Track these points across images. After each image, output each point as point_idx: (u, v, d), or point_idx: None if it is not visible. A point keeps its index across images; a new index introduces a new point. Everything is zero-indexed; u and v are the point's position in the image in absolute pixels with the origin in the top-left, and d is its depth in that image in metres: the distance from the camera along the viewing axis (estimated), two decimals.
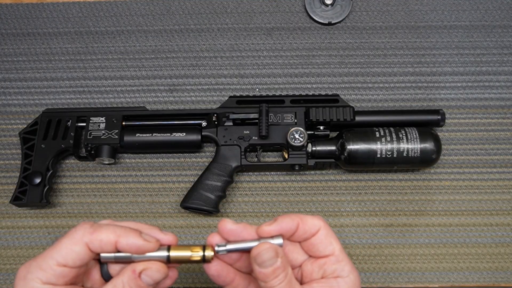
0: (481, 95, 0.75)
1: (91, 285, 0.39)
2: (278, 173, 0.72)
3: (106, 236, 0.35)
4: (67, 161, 0.73)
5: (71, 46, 0.79)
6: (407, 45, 0.78)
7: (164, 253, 0.36)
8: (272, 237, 0.36)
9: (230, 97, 0.72)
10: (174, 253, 0.36)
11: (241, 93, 0.76)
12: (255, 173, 0.72)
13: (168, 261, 0.36)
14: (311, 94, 0.73)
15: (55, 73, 0.78)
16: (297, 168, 0.68)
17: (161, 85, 0.77)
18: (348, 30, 0.79)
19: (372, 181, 0.71)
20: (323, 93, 0.75)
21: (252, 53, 0.78)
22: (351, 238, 0.68)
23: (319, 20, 0.79)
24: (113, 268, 0.38)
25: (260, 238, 0.36)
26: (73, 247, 0.35)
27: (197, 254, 0.36)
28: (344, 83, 0.76)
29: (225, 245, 0.36)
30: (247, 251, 0.36)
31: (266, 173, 0.72)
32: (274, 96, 0.72)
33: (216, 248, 0.36)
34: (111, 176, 0.72)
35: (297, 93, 0.74)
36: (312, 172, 0.72)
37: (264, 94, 0.75)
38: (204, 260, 0.37)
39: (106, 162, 0.71)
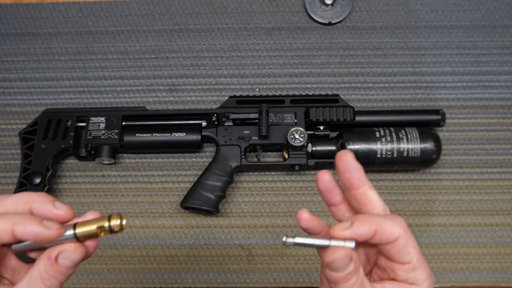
0: (481, 95, 0.75)
1: (11, 273, 0.36)
2: (278, 173, 0.72)
3: (1, 226, 0.32)
4: (67, 161, 0.73)
5: (71, 46, 0.79)
6: (407, 45, 0.78)
7: (70, 232, 0.33)
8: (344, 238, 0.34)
9: (230, 97, 0.72)
10: (80, 230, 0.34)
11: (241, 93, 0.76)
12: (255, 173, 0.72)
13: (77, 239, 0.34)
14: (311, 94, 0.73)
15: (55, 73, 0.78)
16: (297, 168, 0.68)
17: (161, 85, 0.77)
18: (348, 30, 0.79)
19: (372, 181, 0.70)
20: (323, 93, 0.75)
21: (252, 53, 0.78)
22: None
23: (319, 20, 0.79)
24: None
25: (331, 237, 0.34)
26: None
27: (103, 227, 0.34)
28: (344, 83, 0.76)
29: (294, 237, 0.34)
30: (316, 247, 0.35)
31: (266, 173, 0.72)
32: (274, 96, 0.72)
33: (284, 239, 0.34)
34: (111, 176, 0.72)
35: (297, 93, 0.74)
36: (312, 172, 0.72)
37: (264, 94, 0.75)
38: (112, 230, 0.34)
39: (106, 162, 0.71)
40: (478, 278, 0.66)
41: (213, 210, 0.66)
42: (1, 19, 0.81)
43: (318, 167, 0.70)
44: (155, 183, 0.72)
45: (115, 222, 0.34)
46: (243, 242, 0.69)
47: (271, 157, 0.73)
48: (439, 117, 0.69)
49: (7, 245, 0.34)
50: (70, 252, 0.33)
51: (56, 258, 0.33)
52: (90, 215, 0.35)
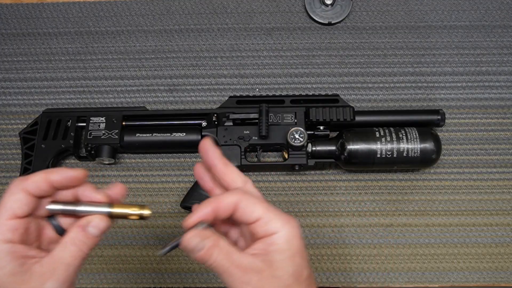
0: (481, 95, 0.75)
1: (48, 244, 0.41)
2: (278, 173, 0.72)
3: (38, 176, 0.38)
4: (67, 161, 0.73)
5: (71, 46, 0.79)
6: (407, 45, 0.78)
7: (106, 209, 0.40)
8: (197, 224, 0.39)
9: (230, 97, 0.72)
10: (116, 210, 0.40)
11: (241, 93, 0.76)
12: (255, 173, 0.72)
13: (110, 216, 0.40)
14: (311, 94, 0.73)
15: (55, 73, 0.78)
16: (297, 168, 0.68)
17: (161, 85, 0.77)
18: (348, 30, 0.79)
19: (372, 181, 0.71)
20: (323, 93, 0.75)
21: (252, 53, 0.78)
22: (351, 238, 0.68)
23: (319, 20, 0.79)
24: (64, 222, 0.41)
25: (185, 231, 0.39)
26: (14, 197, 0.38)
27: (137, 214, 0.41)
28: (344, 83, 0.76)
29: (164, 248, 0.40)
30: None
31: (266, 173, 0.72)
32: (274, 96, 0.72)
33: (159, 253, 0.41)
34: (111, 176, 0.72)
35: (297, 93, 0.74)
36: (312, 172, 0.72)
37: (264, 94, 0.75)
38: (142, 217, 0.41)
39: (106, 162, 0.71)
40: (478, 278, 0.66)
41: None
42: (1, 19, 0.81)
43: (318, 167, 0.70)
44: (155, 183, 0.72)
45: (147, 212, 0.41)
46: None
47: (271, 157, 0.73)
48: (439, 117, 0.70)
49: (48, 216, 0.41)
50: (98, 221, 0.39)
51: (85, 227, 0.39)
52: (116, 188, 0.41)
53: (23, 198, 0.38)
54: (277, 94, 0.75)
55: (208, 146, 0.42)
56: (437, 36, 0.78)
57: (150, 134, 0.69)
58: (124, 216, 0.41)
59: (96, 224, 0.39)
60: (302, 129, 0.67)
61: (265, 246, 0.38)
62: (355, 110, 0.70)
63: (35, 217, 0.40)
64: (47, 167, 0.68)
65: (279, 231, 0.38)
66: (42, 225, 0.41)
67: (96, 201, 0.40)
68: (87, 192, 0.40)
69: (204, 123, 0.70)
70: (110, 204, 0.40)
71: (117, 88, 0.77)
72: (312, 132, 0.69)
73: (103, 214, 0.40)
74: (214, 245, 0.38)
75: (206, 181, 0.44)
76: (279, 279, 0.37)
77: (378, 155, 0.66)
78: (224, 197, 0.39)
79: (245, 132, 0.69)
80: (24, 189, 0.38)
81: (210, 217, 0.39)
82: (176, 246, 0.40)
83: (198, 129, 0.70)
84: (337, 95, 0.71)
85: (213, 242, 0.38)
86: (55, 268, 0.37)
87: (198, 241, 0.38)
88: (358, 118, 0.69)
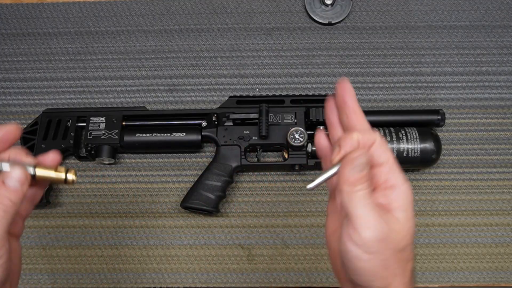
0: (481, 95, 0.75)
1: None
2: (278, 173, 0.72)
3: None
4: (67, 161, 0.73)
5: (71, 46, 0.79)
6: (406, 45, 0.78)
7: (30, 170, 0.39)
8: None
9: (230, 97, 0.72)
10: (38, 170, 0.39)
11: (241, 93, 0.76)
12: (255, 173, 0.72)
13: (34, 178, 0.39)
14: (311, 94, 0.73)
15: (55, 73, 0.78)
16: (297, 168, 0.68)
17: (161, 85, 0.77)
18: (348, 30, 0.79)
19: None
20: (323, 93, 0.75)
21: (252, 53, 0.78)
22: None
23: (319, 20, 0.79)
24: None
25: (334, 165, 0.37)
26: None
27: (60, 175, 0.40)
28: None
29: (313, 182, 0.38)
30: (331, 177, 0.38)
31: (266, 173, 0.72)
32: (274, 96, 0.72)
33: (308, 186, 0.38)
34: (111, 176, 0.72)
35: (297, 93, 0.74)
36: (312, 172, 0.72)
37: (264, 94, 0.75)
38: (66, 181, 0.40)
39: (106, 162, 0.71)
40: (478, 278, 0.66)
41: (213, 210, 0.66)
42: (1, 19, 0.81)
43: (318, 167, 0.70)
44: (155, 183, 0.72)
45: (71, 176, 0.40)
46: (243, 242, 0.69)
47: (271, 157, 0.73)
48: (439, 117, 0.70)
49: None
50: (15, 173, 0.38)
51: (2, 182, 0.38)
52: (49, 155, 0.41)
53: None
54: (277, 94, 0.75)
55: (346, 84, 0.40)
56: (437, 36, 0.78)
57: (150, 134, 0.69)
58: (48, 179, 0.40)
59: (14, 175, 0.38)
60: (302, 129, 0.67)
61: (387, 200, 0.36)
62: None
63: None
64: None
65: (402, 185, 0.36)
66: None
67: (20, 161, 0.39)
68: (13, 153, 0.40)
69: (204, 123, 0.70)
70: (35, 165, 0.39)
71: (117, 88, 0.77)
72: (312, 132, 0.69)
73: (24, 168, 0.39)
74: (368, 176, 0.35)
75: (333, 116, 0.41)
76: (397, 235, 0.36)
77: None
78: (367, 132, 0.37)
79: (245, 132, 0.69)
80: None
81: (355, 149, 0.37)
82: (330, 177, 0.37)
83: (198, 129, 0.70)
84: None
85: (368, 173, 0.35)
86: None
87: (364, 160, 0.35)
88: None
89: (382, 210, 0.36)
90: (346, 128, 0.40)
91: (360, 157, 0.35)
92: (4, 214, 0.37)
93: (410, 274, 0.37)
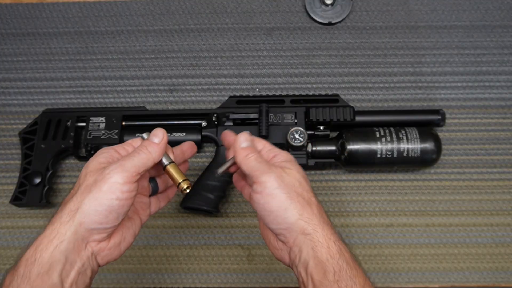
0: (481, 95, 0.75)
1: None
2: None
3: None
4: (67, 161, 0.73)
5: (71, 46, 0.79)
6: (407, 45, 0.78)
7: (165, 161, 0.48)
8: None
9: (230, 97, 0.72)
10: (170, 169, 0.49)
11: (241, 93, 0.76)
12: None
13: (164, 168, 0.49)
14: (311, 94, 0.73)
15: (55, 73, 0.78)
16: None
17: (161, 85, 0.77)
18: (348, 30, 0.79)
19: (372, 181, 0.71)
20: (323, 93, 0.75)
21: (252, 53, 0.78)
22: (351, 238, 0.68)
23: (319, 20, 0.79)
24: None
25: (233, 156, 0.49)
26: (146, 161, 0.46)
27: (179, 177, 0.49)
28: (344, 83, 0.76)
29: (219, 169, 0.51)
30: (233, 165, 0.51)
31: None
32: (274, 96, 0.72)
33: (218, 171, 0.51)
34: None
35: (297, 93, 0.74)
36: (312, 172, 0.72)
37: (264, 94, 0.75)
38: (179, 186, 0.49)
39: None
40: (478, 278, 0.66)
41: (213, 210, 0.66)
42: (1, 19, 0.81)
43: (318, 167, 0.70)
44: None
45: (186, 185, 0.48)
46: (243, 242, 0.69)
47: None
48: (439, 117, 0.70)
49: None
50: (157, 133, 0.48)
51: (150, 139, 0.48)
52: (185, 145, 0.54)
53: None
54: (277, 94, 0.75)
55: (225, 134, 0.53)
56: (437, 36, 0.78)
57: None
58: (171, 175, 0.49)
59: (157, 133, 0.48)
60: (302, 129, 0.67)
61: (276, 162, 0.50)
62: (355, 110, 0.70)
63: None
64: (47, 168, 0.68)
65: (281, 153, 0.50)
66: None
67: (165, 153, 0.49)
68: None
69: (204, 123, 0.70)
70: (171, 162, 0.49)
71: (117, 88, 0.77)
72: (312, 132, 0.69)
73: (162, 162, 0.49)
74: (253, 148, 0.48)
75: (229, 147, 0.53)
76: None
77: (378, 155, 0.66)
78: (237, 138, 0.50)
79: None
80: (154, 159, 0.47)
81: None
82: (230, 166, 0.51)
83: (198, 129, 0.70)
84: (337, 95, 0.71)
85: (252, 147, 0.49)
86: (123, 165, 0.44)
87: (246, 137, 0.49)
88: (358, 118, 0.69)
89: (272, 165, 0.47)
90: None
91: (242, 135, 0.49)
92: (143, 167, 0.45)
93: (320, 213, 0.47)
